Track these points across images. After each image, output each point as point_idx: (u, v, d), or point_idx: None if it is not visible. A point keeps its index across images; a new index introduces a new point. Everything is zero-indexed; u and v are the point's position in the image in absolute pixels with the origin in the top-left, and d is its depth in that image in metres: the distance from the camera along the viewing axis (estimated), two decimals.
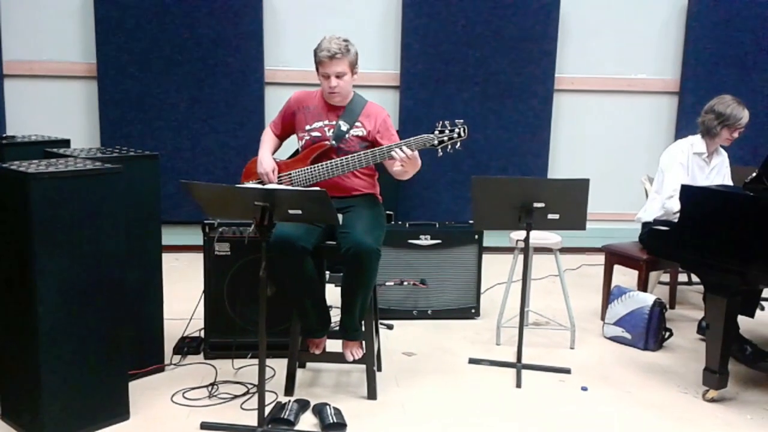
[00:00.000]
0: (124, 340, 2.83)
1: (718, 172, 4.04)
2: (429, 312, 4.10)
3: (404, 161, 3.05)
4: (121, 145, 3.56)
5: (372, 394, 3.11)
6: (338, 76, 3.15)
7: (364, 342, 3.13)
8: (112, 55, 5.17)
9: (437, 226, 4.15)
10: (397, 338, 3.83)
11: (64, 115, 5.28)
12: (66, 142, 3.54)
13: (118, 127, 5.24)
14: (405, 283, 4.04)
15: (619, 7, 5.63)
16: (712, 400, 3.17)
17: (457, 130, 3.14)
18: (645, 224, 4.07)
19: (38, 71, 5.25)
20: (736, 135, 3.90)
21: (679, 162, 3.95)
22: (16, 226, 2.59)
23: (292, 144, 3.45)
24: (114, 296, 2.76)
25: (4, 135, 4.18)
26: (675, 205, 3.84)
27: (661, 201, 3.97)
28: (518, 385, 3.30)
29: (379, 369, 3.37)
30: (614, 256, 4.16)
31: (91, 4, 5.14)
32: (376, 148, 3.14)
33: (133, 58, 5.18)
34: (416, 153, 3.06)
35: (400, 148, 3.03)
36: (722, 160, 4.08)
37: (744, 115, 3.86)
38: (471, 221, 3.94)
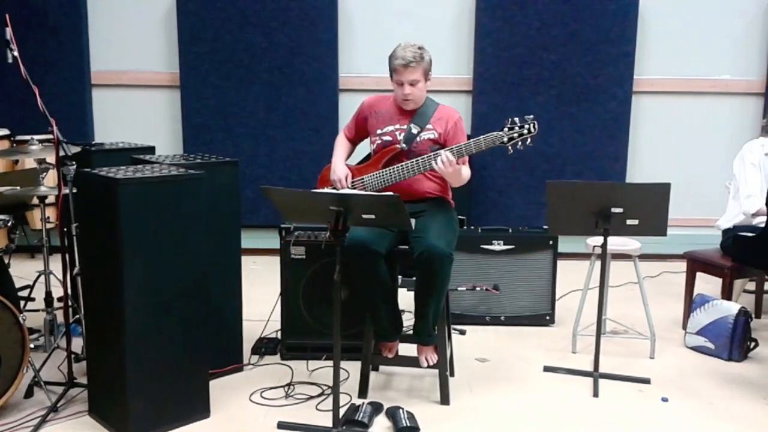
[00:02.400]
0: (205, 341, 2.92)
1: None
2: (502, 318, 4.07)
3: (443, 169, 3.03)
4: (203, 151, 3.69)
5: (445, 400, 3.11)
6: (412, 84, 3.17)
7: (438, 347, 3.13)
8: (194, 65, 5.35)
9: (510, 231, 4.11)
10: (469, 344, 3.82)
11: (149, 122, 5.50)
12: (151, 149, 3.70)
13: (199, 135, 5.42)
14: (478, 288, 4.02)
15: (700, 6, 5.45)
16: None
17: (527, 126, 3.10)
18: (725, 231, 3.94)
19: (124, 81, 5.50)
20: None
21: (750, 162, 3.82)
22: (105, 229, 2.71)
23: (365, 149, 3.49)
24: (196, 298, 2.85)
25: (93, 142, 4.41)
26: (752, 206, 3.71)
27: (738, 207, 3.83)
28: (595, 395, 3.23)
29: (452, 374, 3.37)
30: (696, 263, 4.03)
31: (174, 16, 5.34)
32: (446, 149, 3.13)
33: (214, 68, 5.35)
34: (459, 168, 3.04)
35: (444, 156, 3.02)
36: None
37: None
38: (545, 227, 3.89)
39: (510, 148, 3.11)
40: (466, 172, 3.18)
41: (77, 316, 3.26)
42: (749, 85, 5.53)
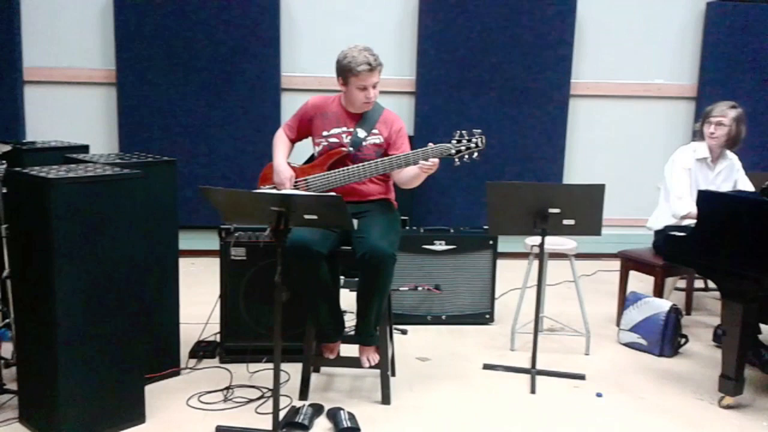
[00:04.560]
0: (141, 344, 2.86)
1: (726, 178, 4.02)
2: (443, 317, 4.11)
3: (427, 170, 3.07)
4: (140, 150, 3.61)
5: (386, 399, 3.12)
6: (374, 87, 3.18)
7: (379, 347, 3.14)
8: (131, 62, 5.23)
9: (452, 231, 4.15)
10: (411, 343, 3.84)
11: (83, 121, 5.35)
12: (85, 148, 3.59)
13: (136, 133, 5.30)
14: (419, 288, 4.05)
15: (635, 12, 5.61)
16: (728, 407, 3.15)
17: (474, 140, 3.15)
18: (657, 231, 4.07)
19: (58, 78, 5.33)
20: (712, 129, 3.91)
21: (681, 167, 3.96)
22: (36, 231, 2.63)
23: (306, 148, 3.47)
24: (131, 300, 2.80)
25: (25, 141, 4.26)
26: (682, 210, 3.85)
27: (668, 208, 3.97)
28: (532, 391, 3.30)
29: (393, 374, 3.38)
30: (630, 262, 4.15)
31: (111, 12, 5.21)
32: (393, 157, 3.16)
33: (152, 65, 5.24)
34: (437, 161, 3.08)
35: (426, 159, 3.05)
36: (730, 164, 4.05)
37: (714, 109, 3.91)
38: (486, 227, 3.95)
39: (457, 160, 3.16)
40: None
41: (7, 320, 3.16)
42: (682, 89, 5.72)
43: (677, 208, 3.88)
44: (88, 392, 2.70)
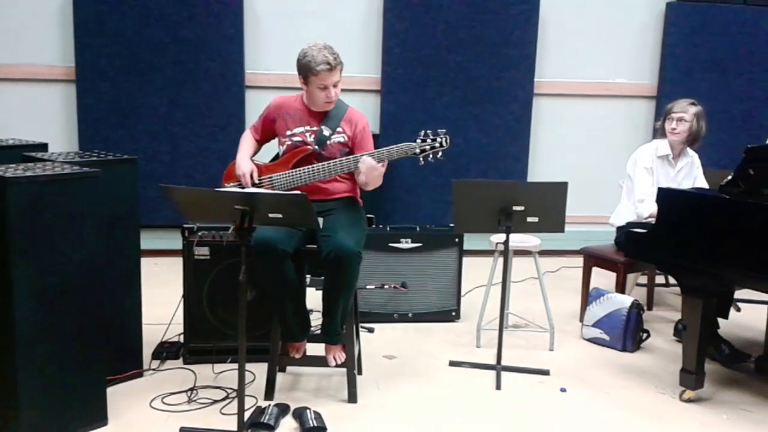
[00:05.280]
0: (102, 346, 2.81)
1: (686, 174, 4.11)
2: (410, 315, 4.12)
3: (368, 173, 3.07)
4: (100, 149, 3.54)
5: (352, 398, 3.12)
6: (335, 86, 3.16)
7: (346, 346, 3.13)
8: (91, 59, 5.13)
9: (418, 229, 4.16)
10: (377, 341, 3.84)
11: (42, 119, 5.23)
12: (44, 147, 3.51)
13: (96, 131, 5.20)
14: (386, 286, 4.05)
15: (597, 12, 5.69)
16: (689, 401, 3.21)
17: (439, 139, 3.17)
18: (619, 228, 4.13)
19: (16, 75, 5.20)
20: (674, 125, 3.98)
21: (643, 166, 4.03)
22: None
23: (273, 148, 3.45)
24: (91, 301, 2.74)
25: None
26: (644, 211, 3.91)
27: (630, 206, 4.04)
28: (498, 387, 3.32)
29: (360, 372, 3.37)
30: (592, 259, 4.20)
31: (70, 8, 5.10)
32: (358, 155, 3.15)
33: (113, 62, 5.15)
34: (382, 170, 3.09)
35: (373, 158, 3.05)
36: (690, 161, 4.13)
37: (675, 105, 3.98)
38: (451, 225, 3.96)
39: (421, 159, 3.18)
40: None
41: None
42: (642, 88, 5.82)
43: (640, 210, 3.96)
44: (48, 394, 2.65)
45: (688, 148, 4.11)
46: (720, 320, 3.59)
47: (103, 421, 2.83)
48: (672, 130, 3.98)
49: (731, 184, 3.18)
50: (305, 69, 3.13)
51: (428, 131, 3.18)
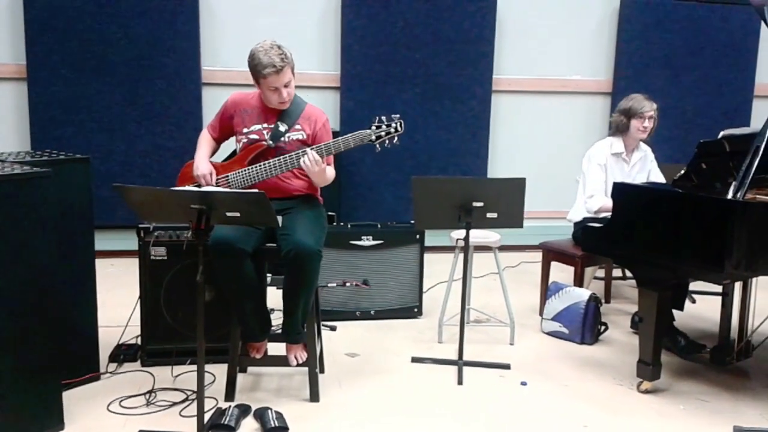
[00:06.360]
0: (56, 350, 2.74)
1: (640, 169, 4.19)
2: (372, 312, 4.11)
3: (309, 171, 3.05)
4: (52, 148, 3.45)
5: (314, 397, 3.10)
6: (286, 86, 3.12)
7: (307, 345, 3.11)
8: (43, 56, 5.00)
9: (379, 226, 4.16)
10: (339, 339, 3.83)
11: None
12: None
13: (48, 130, 5.08)
14: (347, 284, 4.04)
15: (553, 9, 5.75)
16: (646, 392, 3.27)
17: (393, 124, 3.18)
18: (576, 223, 4.19)
19: None
20: (647, 124, 4.05)
21: (596, 163, 4.10)
22: None
23: (230, 146, 3.41)
24: (45, 305, 2.67)
25: None
26: (593, 206, 3.99)
27: (582, 202, 4.10)
28: (460, 382, 3.34)
29: (322, 371, 3.36)
30: (551, 253, 4.25)
31: (20, 4, 4.96)
32: (315, 147, 3.13)
33: (65, 59, 5.03)
34: (324, 167, 3.08)
35: (312, 155, 3.03)
36: (644, 155, 4.21)
37: (645, 105, 4.03)
38: (412, 221, 3.96)
39: (378, 146, 3.17)
40: (330, 172, 3.21)
41: None
42: (598, 84, 5.91)
43: (589, 205, 4.05)
44: (1, 400, 2.57)
45: (642, 143, 4.18)
46: (675, 312, 3.67)
47: (59, 425, 2.77)
48: (644, 128, 4.04)
49: (684, 178, 3.25)
50: (253, 72, 3.09)
51: (382, 117, 3.19)
